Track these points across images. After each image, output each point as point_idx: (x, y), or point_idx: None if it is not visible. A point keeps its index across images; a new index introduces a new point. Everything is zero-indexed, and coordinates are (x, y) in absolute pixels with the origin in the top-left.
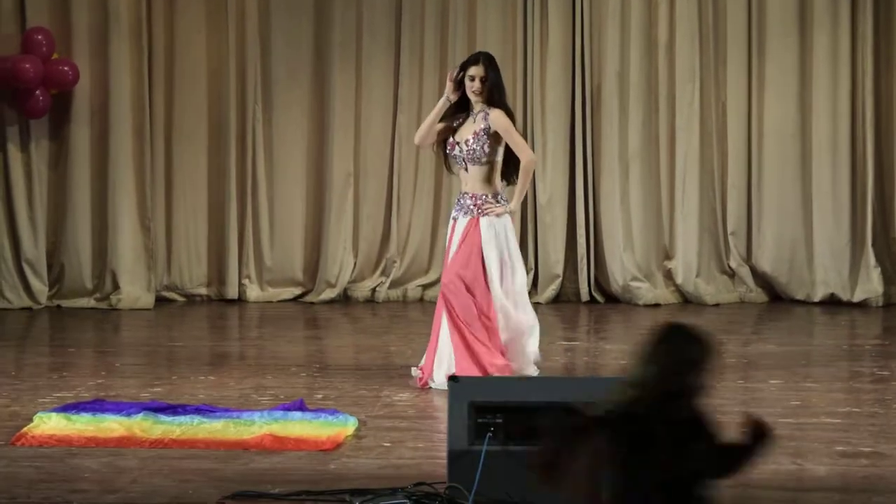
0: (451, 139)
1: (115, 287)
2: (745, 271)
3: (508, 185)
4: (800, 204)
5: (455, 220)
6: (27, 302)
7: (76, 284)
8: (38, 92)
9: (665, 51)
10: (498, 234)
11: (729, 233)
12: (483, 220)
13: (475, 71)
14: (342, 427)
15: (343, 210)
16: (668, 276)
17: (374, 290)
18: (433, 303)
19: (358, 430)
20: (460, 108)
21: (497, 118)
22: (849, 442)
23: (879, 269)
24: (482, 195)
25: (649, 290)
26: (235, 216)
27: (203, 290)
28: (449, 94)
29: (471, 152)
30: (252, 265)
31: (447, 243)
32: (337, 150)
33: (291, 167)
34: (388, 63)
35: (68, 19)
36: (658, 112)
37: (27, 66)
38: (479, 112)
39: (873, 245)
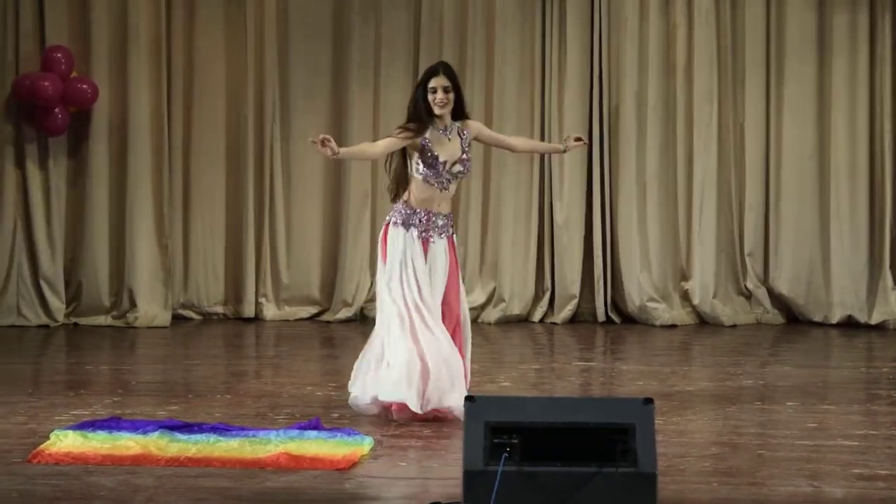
0: (432, 155)
1: (133, 305)
2: (762, 293)
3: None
4: (817, 226)
5: (428, 241)
6: (44, 319)
7: (93, 302)
8: (56, 110)
9: (683, 73)
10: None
11: (746, 254)
12: (455, 239)
13: (438, 82)
14: (358, 446)
15: (360, 229)
16: (685, 297)
17: None
18: None
19: (373, 449)
20: (422, 126)
21: (478, 124)
22: (866, 465)
23: None
24: (451, 214)
25: (666, 311)
26: (253, 235)
27: (220, 309)
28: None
29: (467, 170)
30: (269, 284)
31: (419, 262)
32: (354, 170)
33: (309, 186)
34: (406, 84)
35: (88, 38)
36: (676, 134)
37: (46, 83)
38: (453, 127)
39: (891, 267)
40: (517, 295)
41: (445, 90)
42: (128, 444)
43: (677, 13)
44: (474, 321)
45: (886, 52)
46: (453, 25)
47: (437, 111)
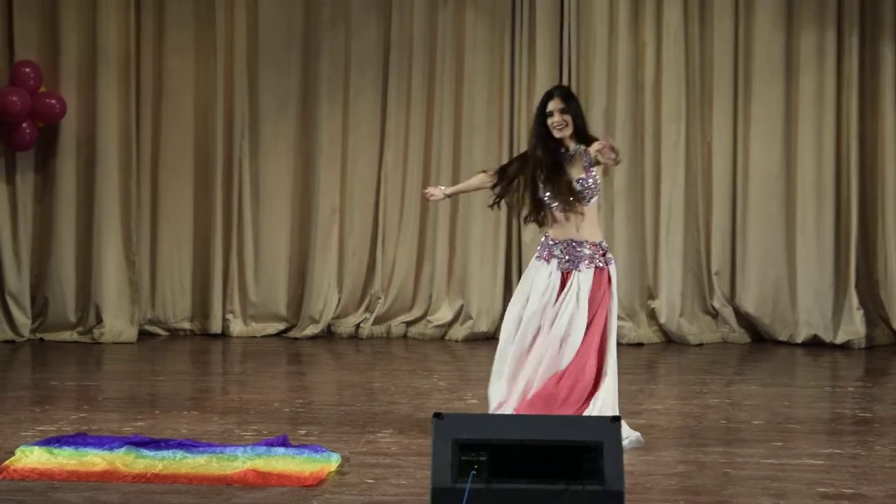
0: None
1: (99, 321)
2: (728, 311)
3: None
4: (784, 245)
5: (566, 272)
6: (10, 335)
7: (59, 318)
8: (24, 124)
9: (651, 91)
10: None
11: (713, 273)
12: (612, 270)
13: (553, 105)
14: (325, 463)
15: (328, 245)
16: (652, 315)
17: (357, 326)
18: (417, 339)
19: (341, 466)
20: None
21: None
22: (831, 483)
23: (862, 310)
24: (600, 242)
25: (632, 330)
26: (220, 251)
27: (187, 325)
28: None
29: (586, 190)
30: (236, 300)
31: (553, 296)
32: (323, 185)
33: (277, 202)
34: (376, 98)
35: (56, 53)
36: (644, 152)
37: (14, 98)
38: (578, 150)
39: (856, 287)
40: (484, 312)
41: (561, 112)
42: (94, 460)
43: (646, 32)
44: (441, 339)
45: (853, 71)
46: (423, 42)
47: (556, 134)
